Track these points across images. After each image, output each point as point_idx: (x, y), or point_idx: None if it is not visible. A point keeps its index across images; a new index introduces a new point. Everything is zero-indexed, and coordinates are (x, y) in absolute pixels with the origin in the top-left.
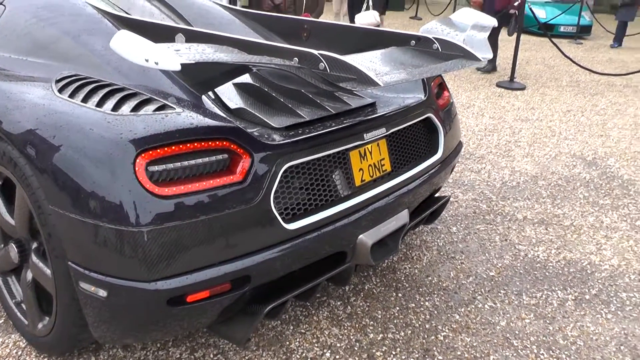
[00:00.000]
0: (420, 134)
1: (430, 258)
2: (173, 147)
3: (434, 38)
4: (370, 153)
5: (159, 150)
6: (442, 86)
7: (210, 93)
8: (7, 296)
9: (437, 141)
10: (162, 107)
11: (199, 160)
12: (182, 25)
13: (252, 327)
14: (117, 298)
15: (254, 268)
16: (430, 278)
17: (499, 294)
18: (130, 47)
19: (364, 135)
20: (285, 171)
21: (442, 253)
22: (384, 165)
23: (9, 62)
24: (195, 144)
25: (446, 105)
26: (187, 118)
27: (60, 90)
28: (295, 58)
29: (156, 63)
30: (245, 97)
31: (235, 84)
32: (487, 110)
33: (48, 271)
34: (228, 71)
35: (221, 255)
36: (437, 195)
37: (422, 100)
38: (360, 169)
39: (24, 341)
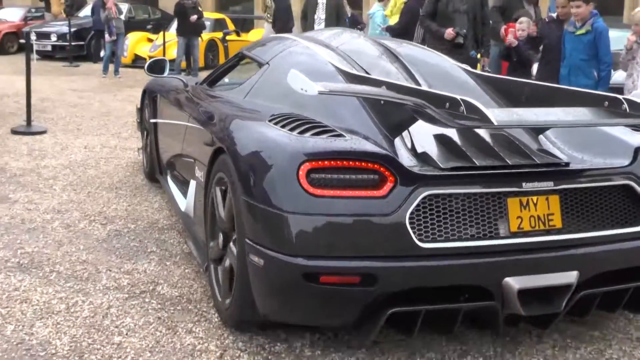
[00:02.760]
0: (617, 199)
1: None
2: (331, 162)
3: (624, 99)
4: (535, 205)
5: (319, 162)
6: None
7: (405, 138)
8: (213, 277)
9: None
10: (337, 135)
11: (352, 175)
12: (403, 83)
13: (376, 326)
14: (270, 267)
15: (382, 271)
16: None
17: None
18: (296, 81)
19: (523, 184)
20: (426, 197)
21: None
22: (552, 220)
23: (258, 106)
24: (351, 163)
25: None
26: (350, 144)
27: (270, 120)
28: (447, 103)
29: (305, 91)
30: (431, 141)
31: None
32: None
33: (236, 253)
34: (408, 118)
35: (354, 250)
36: None
37: (621, 165)
38: (519, 217)
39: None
